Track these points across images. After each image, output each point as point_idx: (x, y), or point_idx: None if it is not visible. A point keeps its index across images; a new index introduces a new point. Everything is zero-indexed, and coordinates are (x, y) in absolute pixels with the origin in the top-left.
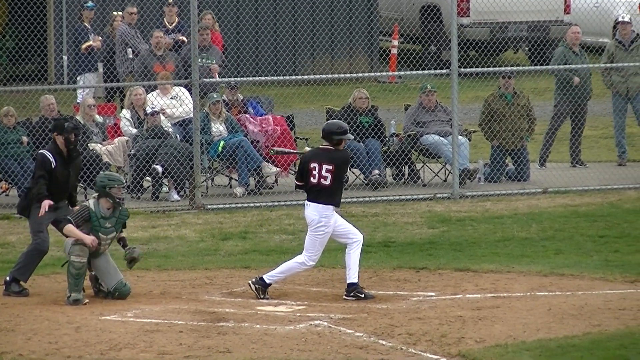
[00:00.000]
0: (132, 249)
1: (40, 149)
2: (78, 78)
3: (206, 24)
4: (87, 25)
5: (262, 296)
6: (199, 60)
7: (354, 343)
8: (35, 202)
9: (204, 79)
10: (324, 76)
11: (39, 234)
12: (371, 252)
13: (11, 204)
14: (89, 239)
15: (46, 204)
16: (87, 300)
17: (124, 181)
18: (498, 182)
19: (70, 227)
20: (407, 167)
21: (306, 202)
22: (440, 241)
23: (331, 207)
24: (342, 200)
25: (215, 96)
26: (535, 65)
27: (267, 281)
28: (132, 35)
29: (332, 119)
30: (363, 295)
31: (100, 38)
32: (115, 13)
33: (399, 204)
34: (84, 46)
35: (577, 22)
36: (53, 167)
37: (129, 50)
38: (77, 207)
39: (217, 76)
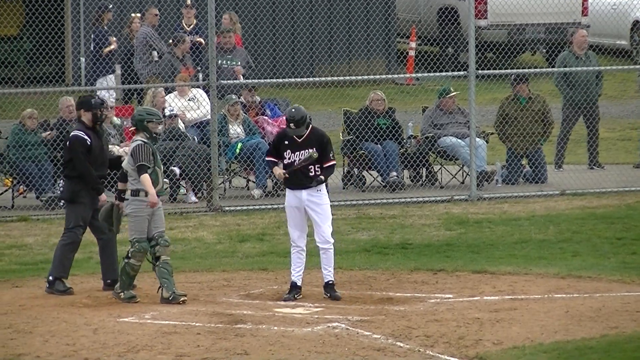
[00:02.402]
0: None
1: (57, 150)
2: (99, 81)
3: (225, 26)
4: (105, 27)
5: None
6: (224, 62)
7: (372, 345)
8: (88, 192)
9: (222, 81)
10: (341, 78)
11: (77, 227)
12: (389, 254)
13: (28, 206)
14: (155, 199)
15: (103, 199)
16: (138, 299)
17: (162, 117)
18: (515, 184)
19: (146, 178)
20: (424, 169)
21: None
22: (457, 243)
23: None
24: (360, 202)
25: (234, 98)
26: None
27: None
28: (156, 37)
29: (350, 121)
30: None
31: (115, 39)
32: (133, 15)
33: (416, 206)
34: (106, 50)
35: (594, 24)
36: (89, 143)
37: (154, 53)
38: (132, 150)
39: (241, 78)
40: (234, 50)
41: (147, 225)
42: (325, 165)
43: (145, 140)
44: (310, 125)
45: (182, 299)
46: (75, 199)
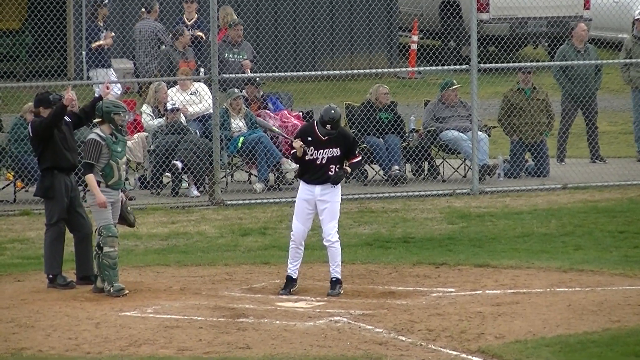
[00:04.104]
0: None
1: None
2: (90, 74)
3: (231, 19)
4: (100, 23)
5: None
6: (231, 55)
7: (374, 339)
8: (60, 184)
9: (224, 75)
10: (343, 72)
11: (59, 221)
12: (391, 248)
13: (30, 200)
14: (102, 199)
15: (69, 97)
16: (128, 291)
17: (127, 109)
18: (517, 177)
19: (90, 178)
20: (426, 162)
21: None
22: (459, 237)
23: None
24: (362, 195)
25: (236, 92)
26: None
27: (290, 273)
28: (165, 31)
29: (352, 114)
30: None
31: (112, 34)
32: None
33: (418, 200)
34: (94, 45)
35: (596, 18)
36: None
37: (163, 47)
38: (85, 143)
39: (249, 71)
40: (240, 44)
41: (111, 212)
42: (350, 162)
43: (101, 135)
44: None
45: (123, 293)
46: (48, 194)
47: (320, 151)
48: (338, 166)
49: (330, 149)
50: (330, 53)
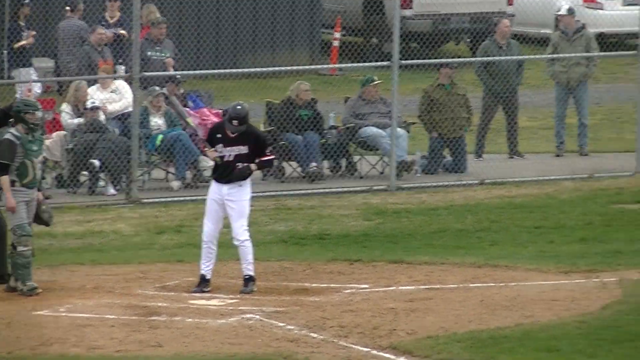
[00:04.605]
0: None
1: None
2: (13, 73)
3: (154, 17)
4: (21, 23)
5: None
6: (153, 53)
7: (285, 336)
8: None
9: (145, 73)
10: (264, 69)
11: None
12: (306, 245)
13: None
14: (11, 203)
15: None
16: (40, 290)
17: (40, 107)
18: (435, 173)
19: (5, 180)
20: (344, 159)
21: None
22: (375, 233)
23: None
24: (279, 192)
25: (157, 89)
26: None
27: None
28: (87, 29)
29: (272, 112)
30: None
31: (34, 33)
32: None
33: (335, 197)
34: (16, 45)
35: (519, 14)
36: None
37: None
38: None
39: (171, 69)
40: (162, 42)
41: (26, 211)
42: (259, 160)
43: (16, 134)
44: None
45: (36, 292)
46: None
47: (228, 148)
48: (246, 164)
49: (238, 147)
50: (252, 50)
